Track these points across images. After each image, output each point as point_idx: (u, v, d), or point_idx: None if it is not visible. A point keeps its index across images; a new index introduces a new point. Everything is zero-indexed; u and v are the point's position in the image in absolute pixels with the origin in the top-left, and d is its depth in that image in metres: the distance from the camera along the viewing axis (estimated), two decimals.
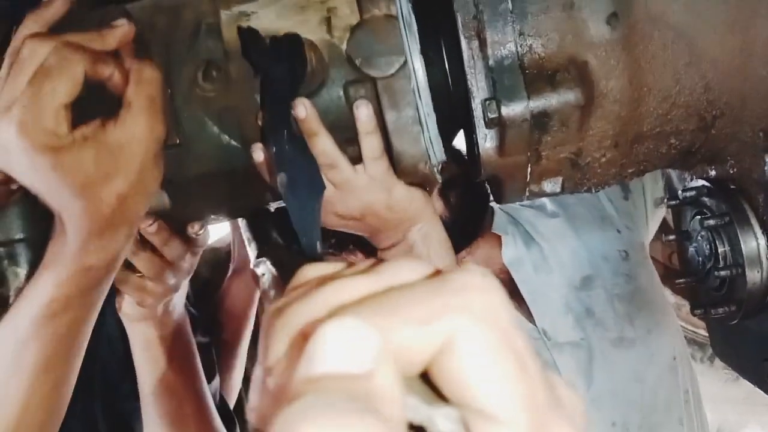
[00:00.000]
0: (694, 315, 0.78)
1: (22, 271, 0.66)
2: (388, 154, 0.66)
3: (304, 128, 0.62)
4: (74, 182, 0.55)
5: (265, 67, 0.60)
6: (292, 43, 0.61)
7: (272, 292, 0.50)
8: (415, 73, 0.62)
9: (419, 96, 0.63)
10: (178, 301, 0.89)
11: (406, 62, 0.62)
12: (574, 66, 0.61)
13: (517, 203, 1.18)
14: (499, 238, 1.19)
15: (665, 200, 1.14)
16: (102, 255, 0.60)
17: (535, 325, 1.16)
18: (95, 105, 0.57)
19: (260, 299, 1.27)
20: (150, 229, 0.73)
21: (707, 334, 1.78)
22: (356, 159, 0.66)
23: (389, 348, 0.23)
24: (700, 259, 0.75)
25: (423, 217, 0.74)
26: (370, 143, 0.65)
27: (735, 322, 0.73)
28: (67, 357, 0.63)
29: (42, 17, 0.58)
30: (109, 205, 0.57)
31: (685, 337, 1.81)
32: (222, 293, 1.32)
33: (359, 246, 0.99)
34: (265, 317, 0.27)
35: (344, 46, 0.63)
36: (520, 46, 0.61)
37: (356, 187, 0.67)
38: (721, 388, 1.68)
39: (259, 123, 0.63)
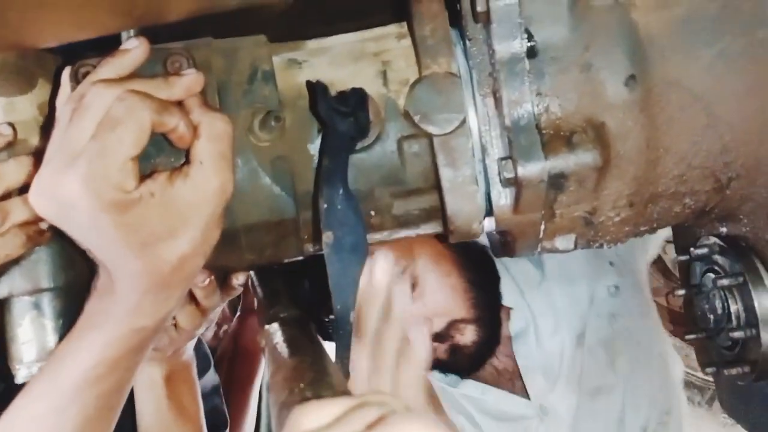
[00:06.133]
0: (705, 373, 0.77)
1: (50, 323, 0.62)
2: (442, 214, 0.65)
3: None
4: (136, 241, 0.51)
5: (331, 121, 0.59)
6: (358, 98, 0.60)
7: (276, 374, 0.48)
8: (471, 131, 0.62)
9: (474, 154, 0.62)
10: (189, 343, 0.87)
11: (465, 120, 0.61)
12: (591, 127, 0.60)
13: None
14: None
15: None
16: (155, 315, 0.56)
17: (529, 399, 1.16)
18: (155, 156, 0.55)
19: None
20: (203, 284, 0.70)
21: (704, 377, 1.77)
22: (403, 216, 0.65)
23: None
24: (712, 317, 0.74)
25: None
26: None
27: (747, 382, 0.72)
28: (107, 418, 0.60)
29: (118, 68, 0.54)
30: (169, 264, 0.53)
31: (684, 380, 1.80)
32: (235, 332, 1.29)
33: None
34: None
35: (401, 101, 0.62)
36: (537, 106, 0.61)
37: None
38: None
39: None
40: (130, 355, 0.57)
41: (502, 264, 1.19)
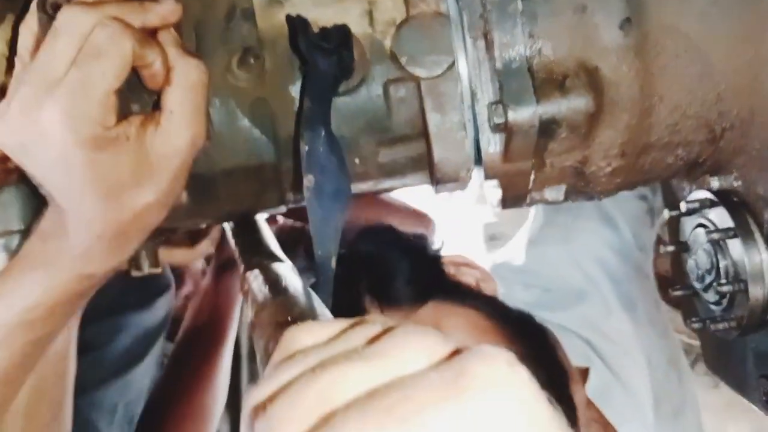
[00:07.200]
0: (690, 328, 0.77)
1: None
2: (429, 161, 0.63)
3: None
4: (103, 183, 0.49)
5: (312, 59, 0.56)
6: (341, 35, 0.57)
7: (260, 313, 0.46)
8: (460, 76, 0.60)
9: (463, 99, 0.60)
10: None
11: (454, 63, 0.59)
12: (584, 71, 0.58)
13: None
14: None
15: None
16: (105, 263, 0.54)
17: None
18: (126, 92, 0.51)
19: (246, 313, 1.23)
20: None
21: (688, 341, 1.78)
22: (388, 165, 0.63)
23: None
24: (701, 272, 0.74)
25: None
26: None
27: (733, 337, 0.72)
28: (26, 372, 0.57)
29: None
30: (131, 212, 0.51)
31: None
32: (209, 290, 1.27)
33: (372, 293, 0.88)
34: (245, 412, 0.23)
35: (387, 42, 0.60)
36: (530, 49, 0.59)
37: None
38: (701, 395, 1.68)
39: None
40: (69, 303, 0.55)
41: (560, 326, 0.98)
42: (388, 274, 0.88)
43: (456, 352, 0.22)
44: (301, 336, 0.25)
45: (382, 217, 1.29)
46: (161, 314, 1.21)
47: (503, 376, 0.21)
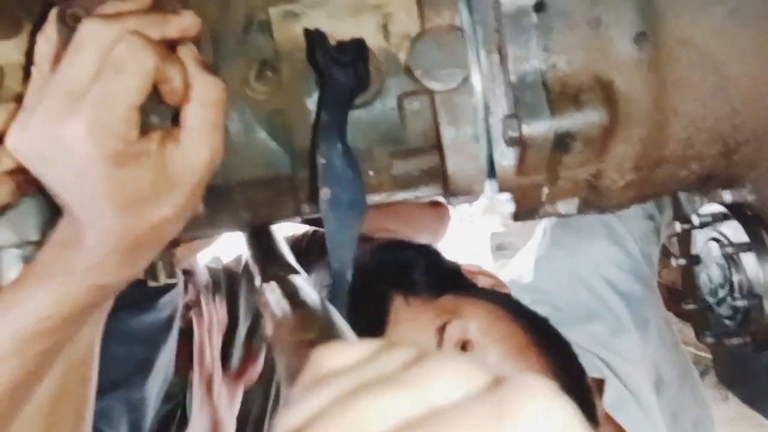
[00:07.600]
0: (704, 342, 0.77)
1: None
2: (442, 174, 0.63)
3: None
4: (121, 198, 0.49)
5: (329, 72, 0.57)
6: (358, 48, 0.58)
7: (280, 328, 0.46)
8: (474, 89, 0.60)
9: (477, 113, 0.60)
10: None
11: (468, 76, 0.59)
12: (599, 85, 0.58)
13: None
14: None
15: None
16: (120, 274, 0.54)
17: None
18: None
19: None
20: None
21: (697, 352, 1.77)
22: (402, 177, 0.63)
23: None
24: (714, 286, 0.73)
25: None
26: None
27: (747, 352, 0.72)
28: (37, 382, 0.57)
29: (122, 7, 0.50)
30: (148, 225, 0.51)
31: None
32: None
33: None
34: None
35: (402, 55, 0.60)
36: (544, 63, 0.59)
37: None
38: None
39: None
40: (82, 314, 0.55)
41: (571, 342, 0.95)
42: (407, 265, 0.93)
43: (496, 381, 0.22)
44: (329, 357, 0.25)
45: (396, 212, 1.32)
46: (164, 315, 1.14)
47: (546, 407, 0.20)
